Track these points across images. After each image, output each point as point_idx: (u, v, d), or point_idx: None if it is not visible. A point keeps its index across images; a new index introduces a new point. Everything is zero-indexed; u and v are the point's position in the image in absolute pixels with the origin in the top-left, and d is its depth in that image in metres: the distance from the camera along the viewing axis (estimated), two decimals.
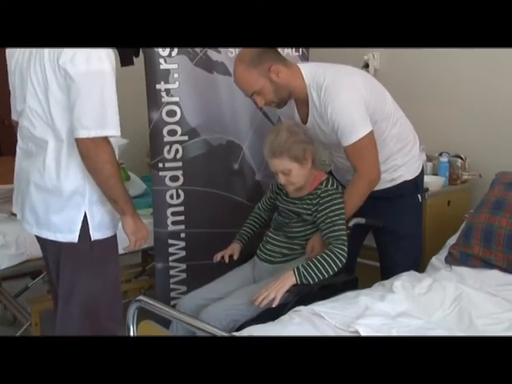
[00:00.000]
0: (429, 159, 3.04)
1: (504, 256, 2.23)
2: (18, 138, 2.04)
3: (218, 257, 2.35)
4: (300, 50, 3.02)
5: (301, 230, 2.23)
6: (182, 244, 2.79)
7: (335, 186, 2.19)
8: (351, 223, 2.27)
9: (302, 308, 1.91)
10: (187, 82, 2.68)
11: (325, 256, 2.06)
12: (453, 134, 3.21)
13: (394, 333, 1.78)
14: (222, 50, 2.76)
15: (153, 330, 1.86)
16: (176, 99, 2.66)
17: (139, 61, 2.71)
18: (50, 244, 2.00)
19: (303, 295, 2.05)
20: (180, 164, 2.73)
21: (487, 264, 2.27)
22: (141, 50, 2.69)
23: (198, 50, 2.69)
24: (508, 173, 2.55)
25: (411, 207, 2.43)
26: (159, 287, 2.82)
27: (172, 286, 2.82)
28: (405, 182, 2.37)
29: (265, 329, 1.79)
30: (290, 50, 2.95)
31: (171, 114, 2.67)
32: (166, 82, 2.63)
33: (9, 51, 2.00)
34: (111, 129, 1.84)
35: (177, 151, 2.71)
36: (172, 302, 2.74)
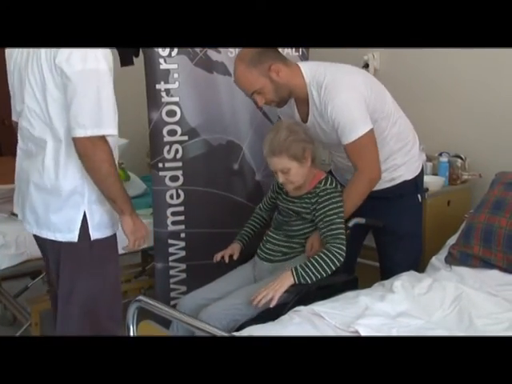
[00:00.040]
0: (429, 159, 3.04)
1: (504, 256, 2.23)
2: (19, 138, 2.04)
3: (217, 257, 2.35)
4: (300, 49, 3.03)
5: (300, 229, 2.23)
6: (182, 244, 2.79)
7: (334, 185, 2.19)
8: (351, 223, 2.27)
9: (301, 308, 1.91)
10: (187, 82, 2.68)
11: (322, 255, 2.06)
12: (453, 134, 3.21)
13: (394, 333, 1.78)
14: (221, 50, 2.76)
15: (153, 329, 1.86)
16: (176, 99, 2.66)
17: (139, 61, 2.72)
18: (50, 244, 2.00)
19: (303, 295, 2.05)
20: (180, 164, 2.73)
21: (487, 264, 2.27)
22: (141, 50, 2.69)
23: (197, 50, 2.69)
24: (508, 173, 2.55)
25: (411, 207, 2.43)
26: (159, 287, 2.82)
27: (172, 286, 2.82)
28: (404, 182, 2.37)
29: (265, 329, 1.79)
30: (289, 49, 2.95)
31: (171, 113, 2.67)
32: (166, 82, 2.63)
33: (8, 51, 2.00)
34: (108, 127, 1.84)
35: (177, 151, 2.71)
36: (172, 302, 2.74)
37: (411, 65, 3.35)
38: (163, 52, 2.61)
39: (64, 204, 1.93)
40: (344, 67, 2.22)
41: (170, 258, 2.79)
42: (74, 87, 1.79)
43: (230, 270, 2.34)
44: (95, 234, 1.97)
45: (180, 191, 2.75)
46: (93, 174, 1.88)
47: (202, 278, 2.36)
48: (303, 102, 2.22)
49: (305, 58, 3.02)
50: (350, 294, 2.07)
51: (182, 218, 2.77)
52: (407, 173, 2.37)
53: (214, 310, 2.05)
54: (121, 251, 2.13)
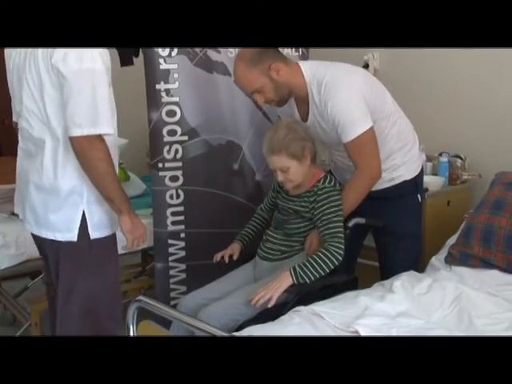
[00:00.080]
0: (428, 159, 3.05)
1: (504, 256, 2.23)
2: (19, 138, 2.05)
3: (217, 257, 2.35)
4: (300, 49, 3.03)
5: (299, 227, 2.23)
6: (182, 244, 2.80)
7: (333, 184, 2.19)
8: (351, 223, 2.27)
9: (301, 308, 1.91)
10: (187, 82, 2.68)
11: (320, 255, 2.06)
12: (453, 134, 3.22)
13: (394, 333, 1.78)
14: (221, 50, 2.76)
15: (152, 330, 1.86)
16: (176, 99, 2.66)
17: (139, 61, 2.72)
18: (50, 244, 2.00)
19: (303, 295, 2.05)
20: (180, 164, 2.73)
21: (487, 264, 2.27)
22: (140, 50, 2.69)
23: (197, 50, 2.69)
24: (508, 173, 2.55)
25: (411, 207, 2.43)
26: (159, 287, 2.82)
27: (172, 286, 2.82)
28: (404, 182, 2.37)
29: (264, 329, 1.79)
30: (289, 49, 2.96)
31: (171, 114, 2.67)
32: (166, 82, 2.63)
33: (7, 51, 2.00)
34: (104, 126, 1.84)
35: (177, 151, 2.71)
36: (172, 302, 2.74)
37: (411, 65, 3.35)
38: (163, 52, 2.61)
39: (63, 204, 1.94)
40: (344, 66, 2.22)
41: (170, 258, 2.79)
42: (71, 86, 1.79)
43: (230, 270, 2.34)
44: (94, 233, 1.98)
45: (180, 191, 2.75)
46: (90, 173, 1.88)
47: (201, 278, 2.36)
48: (303, 101, 2.22)
49: (305, 57, 3.02)
50: (349, 294, 2.07)
51: (181, 218, 2.77)
52: (407, 173, 2.37)
53: (214, 309, 2.05)
54: (120, 251, 2.13)
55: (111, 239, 2.05)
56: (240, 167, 2.92)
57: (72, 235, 1.95)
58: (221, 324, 1.97)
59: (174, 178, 2.73)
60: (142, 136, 3.19)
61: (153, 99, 2.64)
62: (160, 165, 2.69)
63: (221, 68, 2.77)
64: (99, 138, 1.84)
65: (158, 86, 2.62)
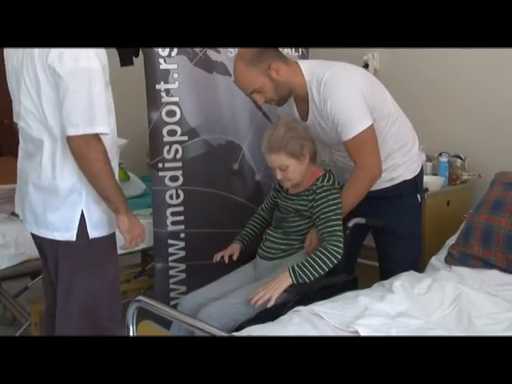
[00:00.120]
0: (428, 159, 3.05)
1: (503, 256, 2.23)
2: (20, 139, 2.05)
3: (217, 257, 2.35)
4: (300, 49, 3.03)
5: (298, 225, 2.22)
6: (182, 244, 2.80)
7: (331, 182, 2.18)
8: (351, 223, 2.27)
9: (301, 308, 1.91)
10: (187, 82, 2.68)
11: (319, 254, 2.06)
12: (452, 134, 3.22)
13: (394, 333, 1.78)
14: (221, 50, 2.76)
15: (152, 330, 1.87)
16: (176, 99, 2.67)
17: (139, 61, 2.72)
18: (49, 243, 2.00)
19: (303, 295, 2.05)
20: (180, 164, 2.73)
21: (487, 264, 2.27)
22: (140, 50, 2.69)
23: (197, 50, 2.69)
24: (507, 173, 2.55)
25: (410, 207, 2.43)
26: (159, 287, 2.82)
27: (171, 286, 2.82)
28: (404, 182, 2.37)
29: (264, 329, 1.79)
30: (289, 50, 2.96)
31: (171, 114, 2.67)
32: (166, 82, 2.63)
33: (6, 53, 2.01)
34: (100, 125, 1.84)
35: (176, 151, 2.71)
36: (171, 302, 2.75)
37: (411, 65, 3.35)
38: (163, 52, 2.61)
39: (62, 203, 1.94)
40: (344, 65, 2.22)
41: (170, 258, 2.79)
42: (66, 86, 1.79)
43: (230, 270, 2.34)
44: (93, 232, 1.98)
45: (180, 191, 2.75)
46: (86, 172, 1.88)
47: (201, 278, 2.36)
48: (303, 101, 2.22)
49: (304, 57, 3.02)
50: (349, 294, 2.07)
51: (181, 218, 2.77)
52: (407, 172, 2.37)
53: (213, 309, 2.05)
54: (119, 251, 2.13)
55: (110, 239, 2.05)
56: (240, 167, 2.92)
57: (71, 235, 1.95)
58: (220, 324, 1.97)
59: (173, 178, 2.73)
60: (142, 136, 3.19)
61: (153, 99, 2.64)
62: (160, 165, 2.69)
63: (221, 68, 2.77)
64: (96, 137, 1.84)
65: (157, 86, 2.62)
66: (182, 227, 2.78)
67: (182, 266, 2.81)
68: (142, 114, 2.79)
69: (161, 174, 2.70)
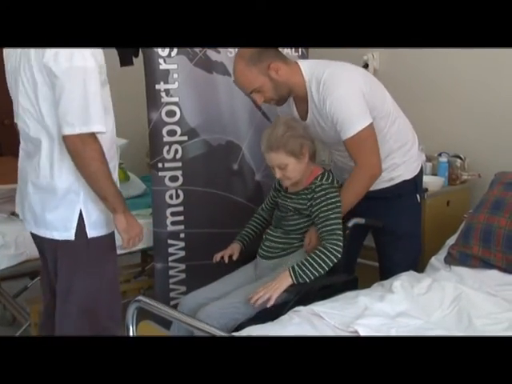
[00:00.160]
0: (428, 159, 3.05)
1: (503, 256, 2.23)
2: (20, 139, 2.05)
3: (217, 257, 2.35)
4: (299, 50, 3.03)
5: (297, 224, 2.22)
6: (182, 244, 2.80)
7: (330, 181, 2.18)
8: (351, 223, 2.27)
9: (301, 308, 1.91)
10: (187, 82, 2.68)
11: (318, 253, 2.06)
12: (452, 134, 3.22)
13: (393, 333, 1.78)
14: (221, 50, 2.76)
15: (152, 330, 1.86)
16: (175, 99, 2.67)
17: (139, 61, 2.72)
18: (48, 242, 2.01)
19: (303, 295, 2.05)
20: (179, 164, 2.73)
21: (486, 264, 2.27)
22: (140, 51, 2.69)
23: (197, 50, 2.69)
24: (507, 173, 2.55)
25: (410, 207, 2.43)
26: (158, 287, 2.82)
27: (171, 287, 2.82)
28: (403, 182, 2.37)
29: (264, 329, 1.79)
30: (289, 50, 2.96)
31: (171, 114, 2.67)
32: (166, 82, 2.63)
33: (5, 53, 2.01)
34: (96, 124, 1.84)
35: (176, 151, 2.71)
36: (171, 303, 2.75)
37: (411, 65, 3.35)
38: (163, 52, 2.61)
39: (60, 203, 1.94)
40: (344, 65, 2.22)
41: (170, 259, 2.79)
42: (62, 85, 1.80)
43: (230, 270, 2.34)
44: (92, 232, 1.98)
45: (179, 191, 2.75)
46: (83, 171, 1.88)
47: (201, 278, 2.36)
48: (302, 101, 2.22)
49: (304, 57, 3.02)
50: (349, 294, 2.07)
51: (181, 218, 2.77)
52: (406, 172, 2.37)
53: (212, 309, 2.04)
54: (119, 251, 2.13)
55: (109, 238, 2.05)
56: (240, 167, 2.92)
57: (69, 234, 1.95)
58: (220, 323, 1.97)
59: (173, 178, 2.73)
60: (142, 136, 3.19)
61: (152, 99, 2.64)
62: (160, 165, 2.69)
63: (220, 68, 2.77)
64: (92, 136, 1.84)
65: (157, 86, 2.62)
66: (182, 227, 2.78)
67: (182, 266, 2.81)
68: (141, 114, 2.79)
69: (161, 174, 2.70)
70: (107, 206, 1.96)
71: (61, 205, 1.94)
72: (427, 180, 2.77)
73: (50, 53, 1.78)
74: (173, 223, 2.76)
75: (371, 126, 2.13)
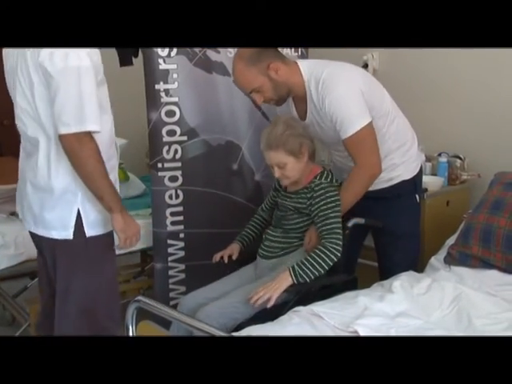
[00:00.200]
0: (428, 159, 3.05)
1: (503, 256, 2.23)
2: (21, 139, 2.05)
3: (217, 257, 2.35)
4: (299, 50, 3.03)
5: (296, 223, 2.22)
6: (181, 244, 2.79)
7: (329, 180, 2.18)
8: (350, 223, 2.27)
9: (301, 308, 1.91)
10: (186, 82, 2.68)
11: (318, 252, 2.06)
12: (452, 134, 3.22)
13: (393, 333, 1.78)
14: (221, 50, 2.76)
15: (152, 330, 1.86)
16: (175, 99, 2.66)
17: (138, 61, 2.72)
18: (46, 242, 2.01)
19: (302, 295, 2.05)
20: (179, 164, 2.73)
21: (486, 264, 2.27)
22: (140, 51, 2.69)
23: (197, 50, 2.69)
24: (507, 173, 2.55)
25: (409, 207, 2.43)
26: (158, 287, 2.82)
27: (171, 287, 2.82)
28: (403, 182, 2.37)
29: (264, 329, 1.79)
30: (289, 50, 2.96)
31: (170, 114, 2.67)
32: (165, 82, 2.63)
33: (5, 53, 2.01)
34: (91, 124, 1.84)
35: (176, 151, 2.71)
36: (171, 303, 2.74)
37: (411, 65, 3.35)
38: (162, 52, 2.61)
39: (57, 202, 1.94)
40: (343, 65, 2.22)
41: (169, 259, 2.79)
42: (57, 85, 1.80)
43: (229, 270, 2.34)
44: (90, 231, 1.98)
45: (179, 191, 2.75)
46: (79, 170, 1.88)
47: (201, 278, 2.36)
48: (301, 100, 2.22)
49: (304, 57, 3.02)
50: (349, 295, 2.07)
51: (181, 218, 2.77)
52: (405, 173, 2.37)
53: (212, 309, 2.04)
54: (117, 251, 2.13)
55: (107, 238, 2.05)
56: (239, 167, 2.92)
57: (67, 233, 1.95)
58: (219, 323, 1.97)
59: (173, 178, 2.73)
60: (142, 136, 3.18)
61: (152, 99, 2.64)
62: (159, 165, 2.69)
63: (220, 68, 2.77)
64: (88, 135, 1.84)
65: (157, 86, 2.62)
66: (182, 227, 2.78)
67: (182, 266, 2.81)
68: (141, 114, 2.79)
69: (160, 174, 2.70)
70: (104, 206, 1.96)
71: (58, 204, 1.95)
72: (427, 180, 2.77)
73: (45, 52, 1.79)
74: (172, 223, 2.76)
75: (370, 124, 2.13)
